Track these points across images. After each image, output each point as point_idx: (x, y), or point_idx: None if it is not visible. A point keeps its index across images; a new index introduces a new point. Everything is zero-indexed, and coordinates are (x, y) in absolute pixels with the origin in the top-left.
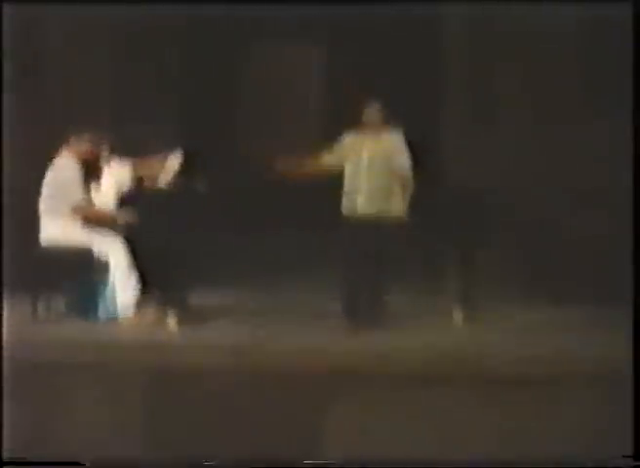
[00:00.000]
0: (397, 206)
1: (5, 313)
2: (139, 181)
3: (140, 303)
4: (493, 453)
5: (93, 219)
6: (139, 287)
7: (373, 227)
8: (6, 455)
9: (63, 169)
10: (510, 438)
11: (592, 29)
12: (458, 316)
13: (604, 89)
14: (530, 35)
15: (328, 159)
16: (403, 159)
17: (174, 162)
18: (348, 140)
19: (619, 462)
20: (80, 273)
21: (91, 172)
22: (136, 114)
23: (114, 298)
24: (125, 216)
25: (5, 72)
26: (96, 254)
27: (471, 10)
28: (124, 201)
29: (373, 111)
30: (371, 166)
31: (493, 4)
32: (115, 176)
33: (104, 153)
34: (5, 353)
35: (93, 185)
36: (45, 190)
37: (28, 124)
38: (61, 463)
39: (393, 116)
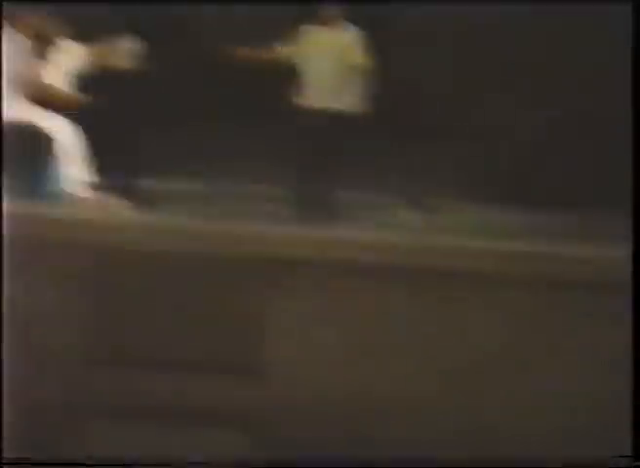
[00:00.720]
0: (350, 100)
1: None
2: (92, 61)
3: (90, 185)
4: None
5: (42, 97)
6: (89, 168)
7: (324, 119)
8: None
9: (10, 43)
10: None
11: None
12: (407, 212)
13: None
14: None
15: (284, 51)
16: (359, 53)
17: (125, 46)
18: (305, 34)
19: (619, 462)
20: (24, 151)
21: (41, 47)
22: None
23: (58, 176)
24: (77, 98)
25: None
26: (41, 132)
27: None
28: (78, 82)
29: (331, 6)
30: (326, 60)
31: None
32: (68, 55)
33: (56, 33)
34: None
35: (43, 62)
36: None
37: None
38: (62, 463)
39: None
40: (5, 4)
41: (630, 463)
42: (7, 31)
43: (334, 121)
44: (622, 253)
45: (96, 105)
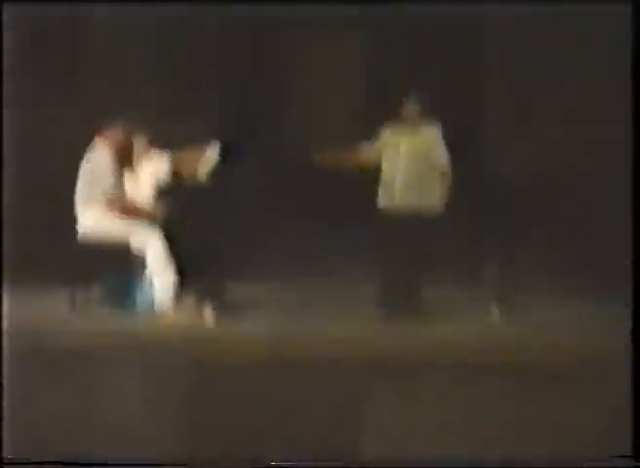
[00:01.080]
0: (433, 199)
1: (43, 303)
2: (177, 174)
3: (177, 296)
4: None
5: (129, 211)
6: (176, 279)
7: (408, 220)
8: (6, 455)
9: (97, 158)
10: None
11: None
12: (494, 310)
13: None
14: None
15: (366, 153)
16: (441, 153)
17: (212, 155)
18: (386, 134)
19: (619, 462)
20: (117, 264)
21: (126, 163)
22: (174, 107)
23: (151, 290)
24: (162, 210)
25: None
26: (132, 246)
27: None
28: (162, 194)
29: (411, 105)
30: (408, 159)
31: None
32: (153, 169)
33: (142, 145)
34: (41, 342)
35: (129, 176)
36: (80, 180)
37: (64, 113)
38: (62, 463)
39: (431, 110)
40: (5, 4)
41: (630, 463)
42: (93, 147)
43: (418, 220)
44: None
45: (182, 214)
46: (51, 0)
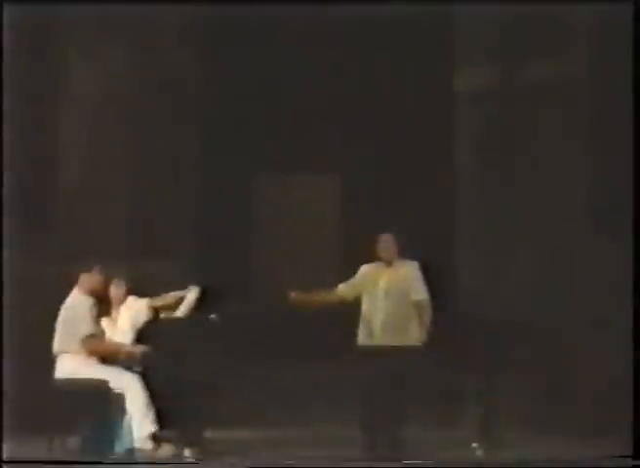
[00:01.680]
0: (414, 335)
1: (21, 451)
2: (156, 314)
3: (158, 439)
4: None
5: (105, 353)
6: (155, 421)
7: (389, 357)
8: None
9: (73, 304)
10: None
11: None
12: (476, 448)
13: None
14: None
15: (344, 290)
16: (419, 289)
17: (191, 295)
18: (365, 271)
19: (619, 462)
20: (95, 409)
21: (103, 306)
22: (150, 250)
23: (131, 434)
24: (139, 350)
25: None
26: (111, 390)
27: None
28: (141, 334)
29: (387, 243)
30: (387, 296)
31: None
32: (131, 311)
33: (120, 290)
34: None
35: (107, 320)
36: (58, 327)
37: (40, 264)
38: (62, 463)
39: (408, 247)
40: (5, 4)
41: (630, 463)
42: (73, 292)
43: (398, 358)
44: None
45: (160, 358)
46: (51, 0)
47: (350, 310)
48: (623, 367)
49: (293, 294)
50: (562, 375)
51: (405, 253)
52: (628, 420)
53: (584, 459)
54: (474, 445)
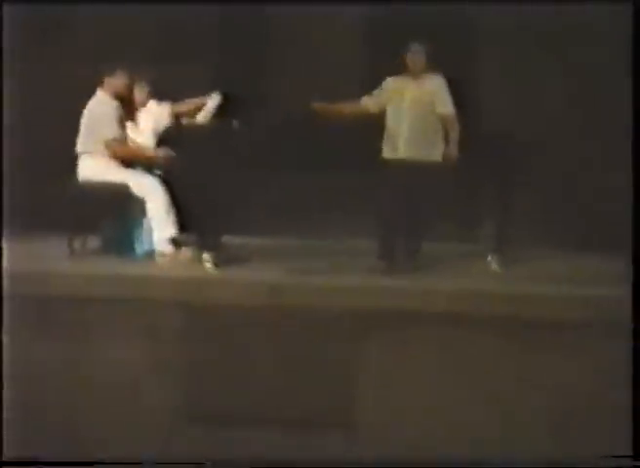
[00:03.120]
0: (439, 150)
1: (41, 249)
2: (177, 119)
3: (177, 242)
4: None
5: (128, 156)
6: (175, 225)
7: (413, 171)
8: (6, 455)
9: (98, 105)
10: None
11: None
12: (492, 261)
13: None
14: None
15: (369, 103)
16: (446, 102)
17: (213, 102)
18: (390, 84)
19: (618, 462)
20: (117, 210)
21: (127, 109)
22: (174, 54)
23: (151, 236)
24: (162, 154)
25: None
26: (132, 192)
27: None
28: (162, 140)
29: (415, 55)
30: (413, 109)
31: None
32: (153, 115)
33: (143, 94)
34: (39, 288)
35: (130, 124)
36: (82, 128)
37: (63, 64)
38: (62, 463)
39: (435, 60)
40: (5, 4)
41: (630, 463)
42: (96, 94)
43: (422, 172)
44: None
45: (182, 163)
46: (51, 0)
47: (374, 122)
48: None
49: (315, 104)
50: (576, 194)
51: (433, 66)
52: (628, 420)
53: (584, 459)
54: (489, 258)
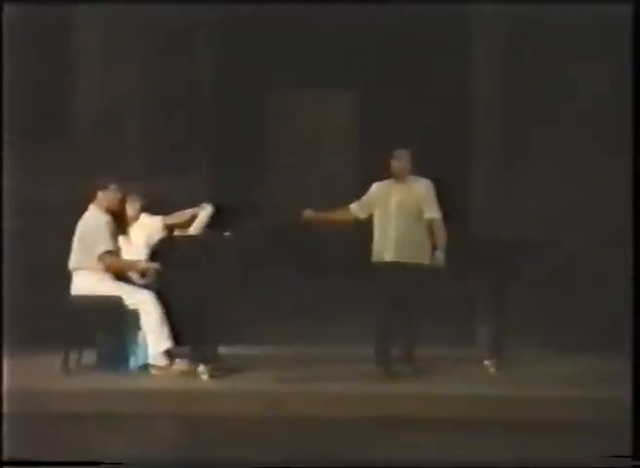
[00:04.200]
0: (426, 253)
1: (36, 364)
2: (169, 231)
3: (172, 354)
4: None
5: (121, 270)
6: (170, 338)
7: (402, 274)
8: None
9: (91, 221)
10: None
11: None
12: (489, 365)
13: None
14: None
15: (357, 209)
16: (432, 207)
17: (204, 212)
18: (376, 189)
19: (618, 462)
20: (111, 324)
21: (120, 223)
22: (166, 167)
23: (145, 350)
24: (153, 266)
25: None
26: (126, 306)
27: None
28: (155, 252)
29: (401, 160)
30: (399, 213)
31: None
32: (146, 228)
33: (135, 208)
34: (34, 404)
35: (122, 237)
36: (75, 244)
37: (58, 179)
38: (62, 463)
39: (421, 166)
40: (5, 4)
41: (630, 463)
42: (89, 209)
43: (412, 275)
44: None
45: (175, 275)
46: (51, 0)
47: (365, 227)
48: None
49: (306, 212)
50: (573, 296)
51: (419, 170)
52: (628, 420)
53: (584, 459)
54: (486, 362)
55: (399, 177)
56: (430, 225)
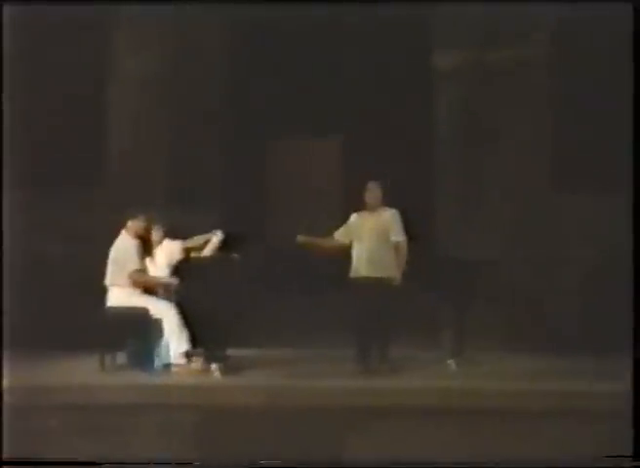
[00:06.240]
0: (392, 271)
1: (73, 365)
2: (187, 254)
3: (190, 355)
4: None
5: (147, 285)
6: (189, 341)
7: (374, 288)
8: (6, 455)
9: (122, 246)
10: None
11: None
12: (451, 364)
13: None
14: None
15: (339, 236)
16: (398, 231)
17: (216, 238)
18: (354, 219)
19: (619, 462)
20: (139, 332)
21: (146, 247)
22: (184, 201)
23: (168, 352)
24: (174, 282)
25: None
26: (152, 316)
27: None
28: (175, 270)
29: (372, 192)
30: (372, 237)
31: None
32: (167, 251)
33: (159, 234)
34: (76, 399)
35: (148, 258)
36: (109, 264)
37: (95, 213)
38: (62, 463)
39: (391, 196)
40: (5, 4)
41: (630, 463)
42: (121, 235)
43: (382, 288)
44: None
45: (191, 289)
46: (51, 0)
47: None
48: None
49: (299, 238)
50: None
51: (389, 201)
52: (628, 418)
53: (584, 459)
54: (449, 361)
55: (372, 208)
56: (395, 247)
